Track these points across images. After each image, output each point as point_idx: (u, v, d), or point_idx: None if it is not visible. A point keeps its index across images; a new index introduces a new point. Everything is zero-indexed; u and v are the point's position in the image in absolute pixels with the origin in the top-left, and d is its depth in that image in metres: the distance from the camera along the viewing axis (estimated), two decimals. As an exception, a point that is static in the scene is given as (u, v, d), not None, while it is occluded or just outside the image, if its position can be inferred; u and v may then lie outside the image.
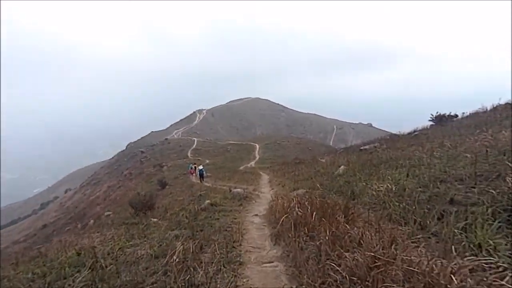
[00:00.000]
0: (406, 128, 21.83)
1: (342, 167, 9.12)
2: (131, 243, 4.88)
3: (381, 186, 5.13)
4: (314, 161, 18.83)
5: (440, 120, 17.59)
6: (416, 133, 15.71)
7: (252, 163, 37.91)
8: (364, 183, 6.03)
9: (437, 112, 19.21)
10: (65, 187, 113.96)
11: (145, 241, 5.01)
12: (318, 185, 7.63)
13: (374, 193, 5.04)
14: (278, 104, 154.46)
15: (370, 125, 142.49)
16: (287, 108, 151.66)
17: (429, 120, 18.78)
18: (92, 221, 15.98)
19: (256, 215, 6.16)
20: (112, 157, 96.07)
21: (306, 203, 4.22)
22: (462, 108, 20.21)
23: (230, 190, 10.74)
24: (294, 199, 4.74)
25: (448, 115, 17.73)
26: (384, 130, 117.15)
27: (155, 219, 7.25)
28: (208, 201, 7.54)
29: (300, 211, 3.74)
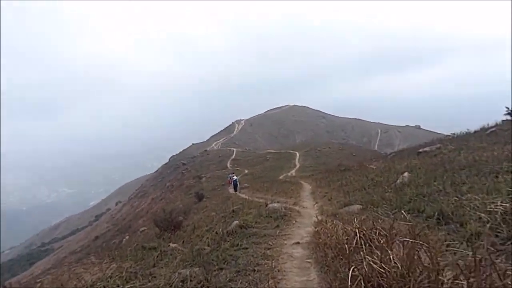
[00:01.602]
0: (462, 128, 18.63)
1: (406, 174, 7.12)
2: (128, 287, 3.59)
3: (491, 203, 3.28)
4: (362, 167, 16.56)
5: (521, 113, 14.38)
6: (492, 129, 12.83)
7: (292, 172, 36.07)
8: (455, 198, 4.14)
9: (513, 105, 15.87)
10: (116, 199, 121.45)
11: (148, 281, 3.71)
12: (377, 198, 5.81)
13: (482, 214, 3.20)
14: (317, 110, 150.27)
15: (418, 127, 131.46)
16: (327, 114, 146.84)
17: (506, 114, 15.52)
18: (127, 237, 15.49)
19: (298, 243, 4.54)
20: (157, 170, 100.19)
21: (376, 233, 2.58)
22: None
23: (266, 205, 9.21)
24: (352, 228, 3.11)
25: (531, 107, 14.44)
26: (435, 132, 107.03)
27: (174, 245, 5.99)
28: (237, 221, 6.09)
29: (370, 258, 2.12)
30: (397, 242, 2.33)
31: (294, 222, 6.13)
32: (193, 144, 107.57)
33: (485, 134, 12.71)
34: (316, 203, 8.72)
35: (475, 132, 15.92)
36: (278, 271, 3.41)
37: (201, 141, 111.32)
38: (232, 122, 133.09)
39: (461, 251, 2.47)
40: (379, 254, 2.07)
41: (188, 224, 10.34)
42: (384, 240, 2.41)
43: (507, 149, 7.09)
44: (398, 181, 7.00)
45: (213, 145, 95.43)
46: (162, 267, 4.53)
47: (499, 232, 2.77)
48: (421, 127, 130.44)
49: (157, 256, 5.32)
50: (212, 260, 4.10)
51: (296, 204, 9.11)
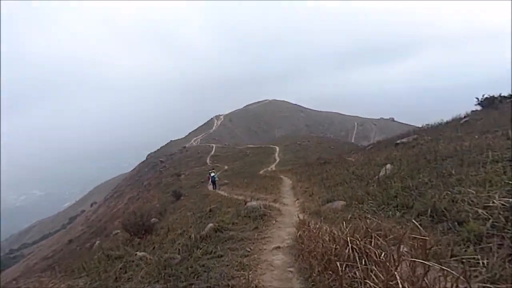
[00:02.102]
0: (435, 120, 19.16)
1: (388, 166, 6.86)
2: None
3: (488, 197, 2.97)
4: (341, 160, 16.46)
5: (491, 103, 14.75)
6: (465, 119, 13.04)
7: (272, 167, 35.90)
8: (447, 192, 3.82)
9: (483, 95, 16.31)
10: (92, 200, 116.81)
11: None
12: (360, 193, 5.47)
13: (480, 210, 2.88)
14: (296, 104, 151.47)
15: (392, 119, 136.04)
16: (305, 108, 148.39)
17: (476, 104, 15.91)
18: (99, 241, 14.51)
19: (278, 247, 4.08)
20: (134, 168, 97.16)
21: (371, 242, 2.15)
22: (498, 90, 17.24)
23: (245, 203, 8.73)
24: (340, 234, 2.67)
25: (500, 97, 14.84)
26: (409, 124, 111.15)
27: (142, 253, 5.37)
28: (212, 224, 5.54)
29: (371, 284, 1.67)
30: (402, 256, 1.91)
31: (274, 222, 5.68)
32: (171, 141, 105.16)
33: (459, 124, 12.89)
34: (297, 199, 8.32)
35: (448, 122, 16.22)
36: (258, 282, 2.94)
37: (180, 137, 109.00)
38: (211, 118, 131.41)
39: (470, 258, 2.10)
40: (381, 275, 1.64)
41: (162, 227, 9.68)
42: (384, 254, 1.99)
43: (488, 138, 7.01)
44: (380, 174, 6.73)
45: (192, 141, 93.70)
46: (124, 283, 3.93)
47: (505, 231, 2.45)
48: (395, 119, 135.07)
49: (121, 268, 4.69)
50: (181, 273, 3.56)
51: (276, 201, 8.68)
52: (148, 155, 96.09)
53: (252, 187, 15.37)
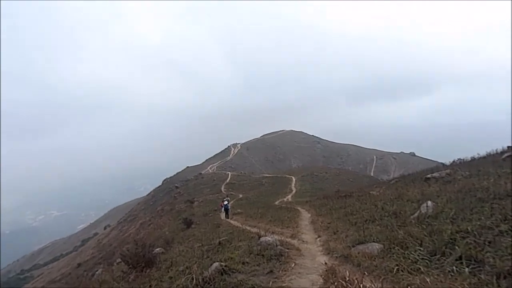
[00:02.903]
0: (456, 156, 18.06)
1: (429, 203, 5.79)
2: None
3: None
4: (365, 194, 15.20)
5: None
6: (508, 153, 11.73)
7: (289, 197, 34.49)
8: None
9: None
10: (106, 223, 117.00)
11: None
12: (401, 235, 4.43)
13: None
14: (313, 135, 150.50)
15: (413, 154, 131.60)
16: (322, 139, 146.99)
17: (517, 139, 14.54)
18: (100, 270, 13.63)
19: (300, 304, 3.14)
20: (149, 193, 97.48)
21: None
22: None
23: (259, 237, 7.76)
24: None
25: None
26: (430, 159, 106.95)
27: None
28: (217, 264, 4.63)
29: None
30: None
31: (293, 265, 4.71)
32: (188, 167, 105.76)
33: (501, 159, 11.60)
34: (318, 236, 7.25)
35: (484, 157, 14.85)
36: None
37: (197, 164, 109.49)
38: (228, 146, 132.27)
39: None
40: None
41: (166, 259, 8.77)
42: None
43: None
44: (419, 211, 5.69)
45: (208, 168, 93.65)
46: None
47: None
48: (415, 154, 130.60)
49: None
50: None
51: (294, 237, 7.65)
52: (164, 180, 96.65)
53: (266, 218, 14.30)
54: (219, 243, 8.54)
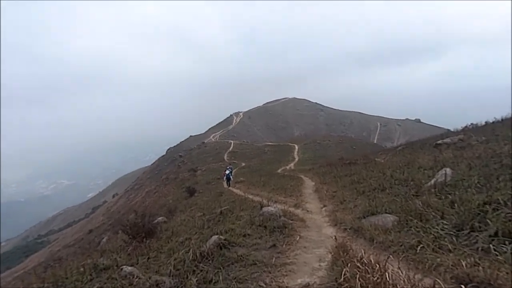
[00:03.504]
0: (464, 122, 17.22)
1: (448, 170, 5.28)
2: None
3: None
4: (370, 161, 14.79)
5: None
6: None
7: (291, 165, 34.42)
8: None
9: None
10: (114, 191, 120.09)
11: None
12: (418, 206, 3.98)
13: None
14: (316, 103, 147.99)
15: (418, 120, 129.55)
16: (326, 107, 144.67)
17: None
18: (106, 238, 13.77)
19: (307, 286, 2.75)
20: (153, 162, 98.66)
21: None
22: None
23: (261, 207, 7.45)
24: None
25: None
26: (436, 126, 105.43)
27: (130, 268, 4.23)
28: (217, 237, 4.28)
29: None
30: None
31: (297, 238, 4.35)
32: (191, 136, 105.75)
33: (517, 123, 10.96)
34: (324, 205, 6.89)
35: (498, 122, 14.15)
36: None
37: (200, 133, 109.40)
38: (231, 115, 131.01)
39: None
40: None
41: (168, 228, 8.61)
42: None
43: None
44: (435, 180, 5.22)
45: (211, 137, 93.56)
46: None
47: None
48: (421, 120, 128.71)
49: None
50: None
51: (297, 206, 7.32)
52: (168, 149, 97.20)
53: (269, 186, 14.08)
54: (221, 212, 8.30)
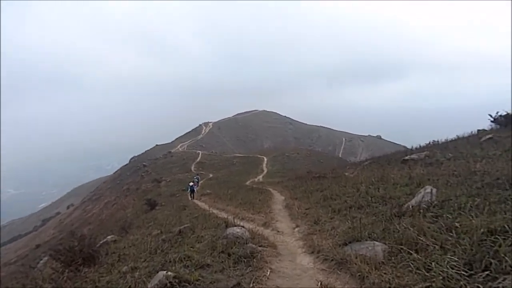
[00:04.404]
0: (420, 140, 18.15)
1: (430, 188, 4.82)
2: None
3: None
4: (339, 175, 14.52)
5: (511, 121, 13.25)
6: (488, 136, 11.39)
7: (260, 177, 33.77)
8: None
9: (497, 113, 14.83)
10: (69, 202, 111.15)
11: None
12: (410, 233, 3.37)
13: None
14: (285, 116, 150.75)
15: (379, 137, 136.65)
16: (294, 120, 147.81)
17: (493, 122, 14.40)
18: (45, 259, 11.91)
19: None
20: (116, 171, 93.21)
21: None
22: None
23: (226, 225, 6.61)
24: None
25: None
26: (395, 143, 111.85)
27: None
28: (164, 274, 3.34)
29: None
30: None
31: (267, 271, 3.56)
32: (157, 145, 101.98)
33: (480, 141, 11.23)
34: (297, 226, 6.17)
35: (459, 139, 14.64)
36: None
37: (166, 142, 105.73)
38: (200, 124, 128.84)
39: None
40: None
41: (115, 251, 7.38)
42: None
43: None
44: (416, 198, 4.74)
45: (179, 147, 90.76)
46: None
47: None
48: (382, 137, 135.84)
49: None
50: None
51: (267, 226, 6.54)
52: (132, 158, 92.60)
53: (236, 200, 13.20)
54: (179, 232, 7.27)
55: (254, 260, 3.90)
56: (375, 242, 3.52)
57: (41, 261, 11.40)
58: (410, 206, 4.59)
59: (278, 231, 6.01)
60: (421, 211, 4.10)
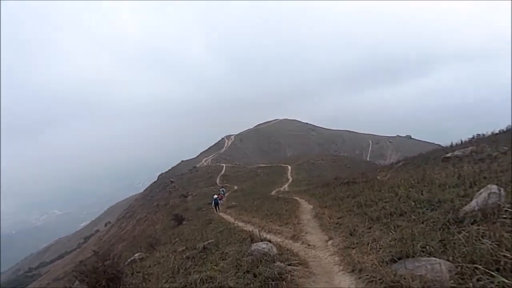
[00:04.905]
0: (454, 137, 16.71)
1: (494, 187, 3.96)
2: None
3: None
4: (371, 179, 13.50)
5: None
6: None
7: (285, 187, 32.94)
8: None
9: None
10: (106, 220, 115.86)
11: None
12: (488, 249, 2.62)
13: None
14: (307, 123, 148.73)
15: (409, 137, 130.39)
16: (317, 126, 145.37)
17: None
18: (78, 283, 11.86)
19: None
20: (146, 189, 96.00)
21: None
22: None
23: (252, 240, 6.07)
24: None
25: None
26: (427, 142, 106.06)
27: None
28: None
29: None
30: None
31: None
32: (182, 161, 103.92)
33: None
34: (330, 238, 5.45)
35: (501, 133, 13.21)
36: None
37: (191, 158, 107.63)
38: (222, 138, 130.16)
39: None
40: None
41: (140, 269, 7.08)
42: None
43: None
44: (476, 201, 3.91)
45: (203, 161, 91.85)
46: None
47: None
48: (412, 137, 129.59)
49: None
50: None
51: (296, 239, 5.89)
52: (160, 175, 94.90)
53: (262, 212, 12.60)
54: (204, 248, 6.82)
55: (284, 282, 3.31)
56: (434, 258, 2.81)
57: (76, 282, 11.37)
58: (471, 211, 3.79)
59: (309, 245, 5.34)
60: (486, 216, 3.33)
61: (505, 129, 13.03)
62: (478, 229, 3.08)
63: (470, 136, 15.84)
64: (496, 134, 12.90)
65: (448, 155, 10.70)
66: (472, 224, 3.44)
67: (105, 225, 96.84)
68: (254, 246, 4.84)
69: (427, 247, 3.16)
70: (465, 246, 2.81)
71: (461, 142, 14.38)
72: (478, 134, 14.12)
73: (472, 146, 10.76)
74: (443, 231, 3.50)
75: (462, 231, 3.22)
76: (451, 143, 16.27)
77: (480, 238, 2.80)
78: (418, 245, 3.22)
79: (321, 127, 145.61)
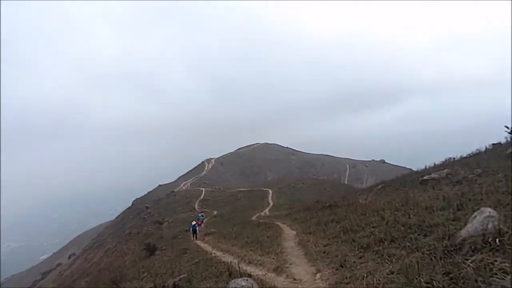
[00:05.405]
0: (425, 161, 17.33)
1: (489, 210, 3.71)
2: None
3: None
4: (353, 203, 13.24)
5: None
6: (514, 147, 10.37)
7: (266, 211, 32.15)
8: None
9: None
10: (71, 251, 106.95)
11: None
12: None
13: None
14: (287, 147, 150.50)
15: (383, 161, 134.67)
16: (297, 150, 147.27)
17: (510, 133, 13.41)
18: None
19: None
20: (118, 215, 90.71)
21: None
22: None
23: (230, 274, 5.43)
24: None
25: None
26: (400, 166, 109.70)
27: None
28: None
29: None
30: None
31: None
32: (160, 185, 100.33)
33: (506, 153, 10.17)
34: (318, 270, 4.92)
35: (479, 154, 13.59)
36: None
37: (169, 181, 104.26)
38: (202, 161, 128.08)
39: None
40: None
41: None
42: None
43: None
44: (473, 226, 3.62)
45: (182, 185, 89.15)
46: None
47: None
48: (386, 161, 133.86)
49: None
50: None
51: (280, 272, 5.31)
52: (134, 200, 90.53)
53: (242, 239, 11.86)
54: (174, 285, 6.01)
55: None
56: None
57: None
58: (469, 236, 3.47)
59: (295, 279, 4.78)
60: (491, 242, 3.01)
61: (473, 153, 13.45)
62: (485, 258, 2.73)
63: (446, 158, 16.21)
64: (465, 157, 13.24)
65: (426, 177, 10.72)
66: (473, 251, 3.11)
67: (69, 257, 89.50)
68: (232, 284, 4.23)
69: (434, 282, 2.75)
70: (476, 282, 2.43)
71: (434, 164, 14.65)
72: (449, 158, 14.47)
73: (447, 169, 10.86)
74: (445, 262, 3.13)
75: (467, 262, 2.86)
76: (425, 166, 16.59)
77: (493, 270, 2.45)
78: (423, 280, 2.81)
79: (300, 151, 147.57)
